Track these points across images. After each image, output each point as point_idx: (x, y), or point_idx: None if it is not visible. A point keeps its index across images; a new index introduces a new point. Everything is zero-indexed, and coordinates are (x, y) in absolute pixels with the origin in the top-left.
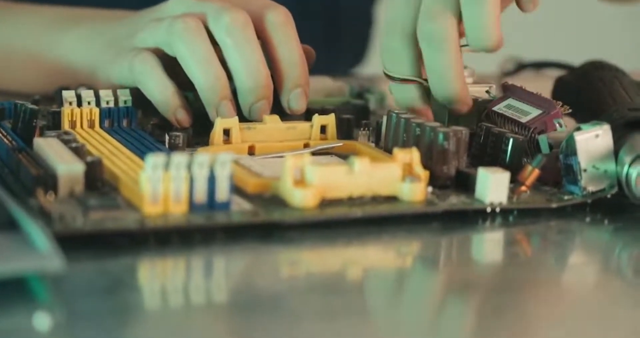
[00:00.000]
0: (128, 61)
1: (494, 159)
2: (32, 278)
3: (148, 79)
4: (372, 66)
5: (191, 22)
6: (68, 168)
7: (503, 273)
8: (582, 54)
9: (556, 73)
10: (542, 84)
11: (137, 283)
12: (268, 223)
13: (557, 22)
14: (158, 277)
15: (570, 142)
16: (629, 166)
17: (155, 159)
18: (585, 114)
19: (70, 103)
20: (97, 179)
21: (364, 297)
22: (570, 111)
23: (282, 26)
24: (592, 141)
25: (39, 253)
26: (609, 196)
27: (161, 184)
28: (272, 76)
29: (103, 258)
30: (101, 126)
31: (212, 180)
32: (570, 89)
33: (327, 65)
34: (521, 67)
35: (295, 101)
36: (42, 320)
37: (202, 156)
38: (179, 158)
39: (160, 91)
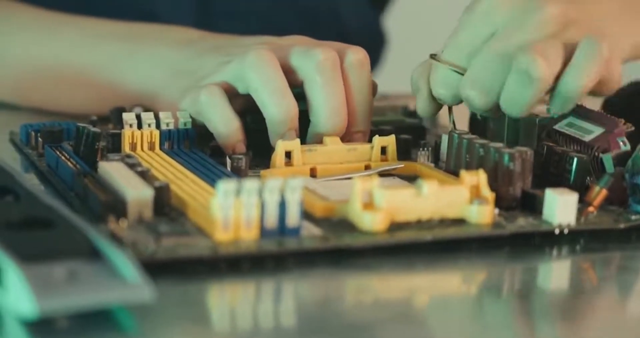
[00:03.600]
0: (194, 94)
1: (557, 179)
2: (116, 307)
3: (213, 111)
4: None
5: (264, 52)
6: (137, 193)
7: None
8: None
9: None
10: (590, 107)
11: (209, 302)
12: (339, 249)
13: None
14: (231, 303)
15: (637, 161)
16: None
17: (226, 186)
18: (636, 136)
19: (131, 125)
20: (165, 205)
21: (453, 326)
22: (633, 128)
23: (359, 67)
24: None
25: (127, 283)
26: None
27: (232, 210)
28: None
29: (175, 285)
30: (161, 148)
31: (282, 206)
32: (618, 110)
33: None
34: None
35: (355, 141)
36: None
37: (273, 182)
38: (250, 184)
39: (225, 124)
